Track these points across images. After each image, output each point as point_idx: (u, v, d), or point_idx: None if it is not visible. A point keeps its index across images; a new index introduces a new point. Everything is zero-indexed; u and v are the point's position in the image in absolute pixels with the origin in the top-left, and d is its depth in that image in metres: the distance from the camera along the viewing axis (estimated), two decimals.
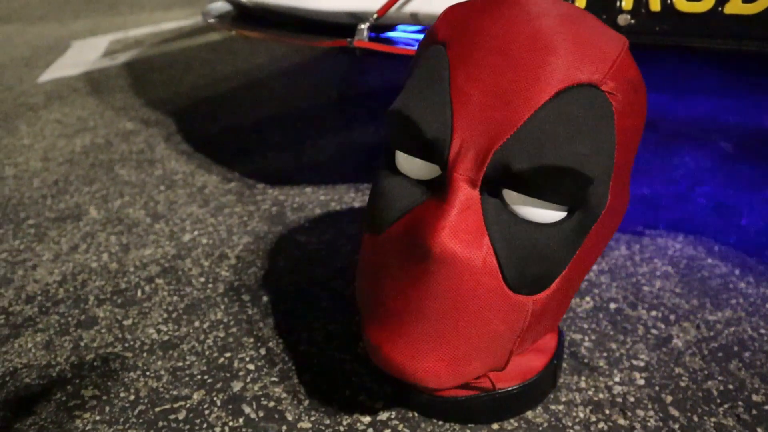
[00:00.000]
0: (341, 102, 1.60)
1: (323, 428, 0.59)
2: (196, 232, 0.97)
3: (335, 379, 0.66)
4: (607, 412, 0.59)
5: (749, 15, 0.60)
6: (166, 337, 0.74)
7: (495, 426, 0.58)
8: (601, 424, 0.58)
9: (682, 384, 0.62)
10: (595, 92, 0.45)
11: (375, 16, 0.78)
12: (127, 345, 0.73)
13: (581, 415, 0.59)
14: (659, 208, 0.96)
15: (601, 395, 0.61)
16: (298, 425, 0.60)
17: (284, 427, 0.60)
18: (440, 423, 0.59)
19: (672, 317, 0.72)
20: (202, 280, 0.85)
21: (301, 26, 0.95)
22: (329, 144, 1.31)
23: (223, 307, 0.79)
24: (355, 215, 1.01)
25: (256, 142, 1.34)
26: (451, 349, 0.48)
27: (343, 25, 0.84)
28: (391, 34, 0.84)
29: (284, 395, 0.64)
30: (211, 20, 1.12)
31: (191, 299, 0.81)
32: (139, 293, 0.83)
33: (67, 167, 1.27)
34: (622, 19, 0.65)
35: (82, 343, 0.74)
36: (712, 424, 0.57)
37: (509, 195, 0.46)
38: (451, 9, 0.51)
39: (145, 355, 0.71)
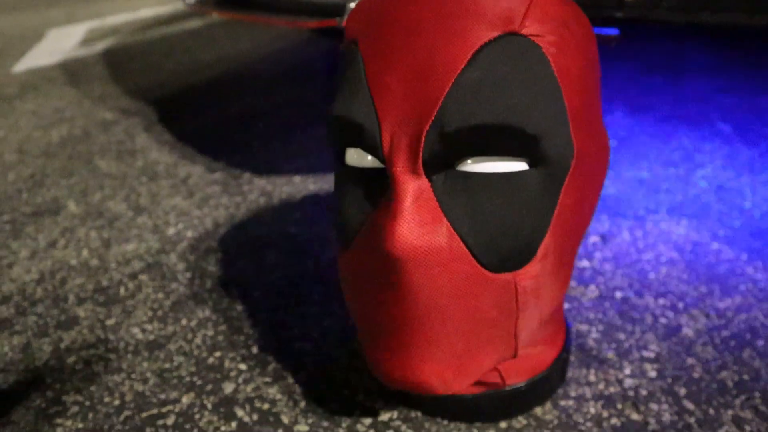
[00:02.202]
0: (328, 88, 1.55)
1: (321, 431, 0.56)
2: (180, 225, 0.93)
3: (332, 377, 0.62)
4: (620, 406, 0.57)
5: None
6: (151, 337, 0.70)
7: (503, 424, 0.55)
8: (614, 420, 0.55)
9: (696, 375, 0.60)
10: (517, 39, 0.42)
11: None
12: (110, 346, 0.69)
13: (592, 410, 0.56)
14: (659, 191, 0.93)
15: (612, 389, 0.59)
16: (295, 428, 0.57)
17: (280, 431, 0.56)
18: (445, 423, 0.56)
19: (680, 305, 0.69)
20: (189, 275, 0.81)
21: (283, 7, 0.90)
22: (317, 133, 1.27)
23: (211, 303, 0.75)
24: None
25: (242, 131, 1.30)
26: (449, 349, 0.45)
27: (329, 6, 0.80)
28: None
29: (279, 396, 0.60)
30: (191, 3, 1.07)
31: (177, 296, 0.77)
32: (122, 291, 0.79)
33: (43, 160, 1.21)
34: None
35: (62, 345, 0.69)
36: (729, 417, 0.55)
37: (461, 163, 0.43)
38: (359, 4, 0.49)
39: (129, 356, 0.67)
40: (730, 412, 0.55)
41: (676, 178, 0.96)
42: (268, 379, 0.63)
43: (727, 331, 0.65)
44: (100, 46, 2.13)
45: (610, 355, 0.63)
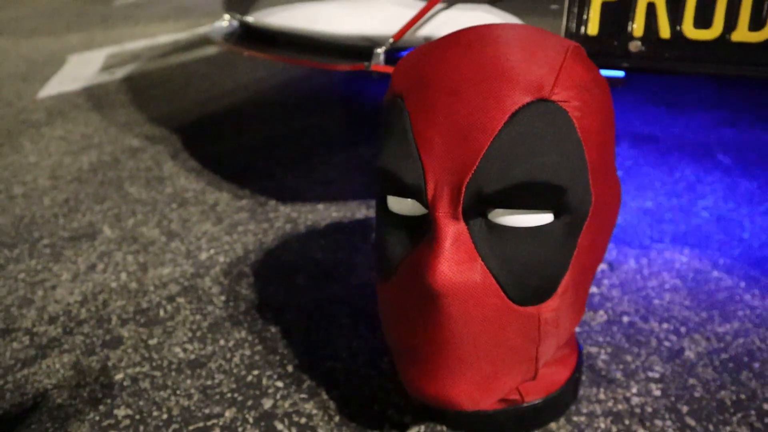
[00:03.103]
0: (345, 117, 1.62)
1: None
2: (212, 251, 0.99)
3: (363, 394, 0.68)
4: (627, 422, 0.62)
5: (755, 43, 0.63)
6: (192, 356, 0.76)
7: None
8: None
9: (697, 394, 0.65)
10: (547, 105, 0.48)
11: (391, 40, 0.81)
12: (154, 364, 0.75)
13: (602, 425, 0.62)
14: (663, 221, 0.99)
15: (620, 406, 0.64)
16: None
17: None
18: None
19: (683, 329, 0.75)
20: (223, 298, 0.87)
21: (308, 48, 0.97)
22: (338, 160, 1.34)
23: (246, 325, 0.81)
24: (368, 232, 1.03)
25: (264, 159, 1.36)
26: (478, 372, 0.51)
27: (357, 50, 0.86)
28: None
29: (315, 411, 0.66)
30: (218, 40, 1.15)
31: (214, 318, 0.83)
32: (161, 312, 0.85)
33: (76, 185, 1.28)
34: (633, 46, 0.69)
35: (109, 363, 0.75)
36: None
37: (494, 213, 0.50)
38: (403, 61, 0.56)
39: (173, 374, 0.73)
40: (728, 428, 0.61)
41: (679, 209, 1.02)
42: (303, 396, 0.68)
43: (726, 354, 0.70)
44: (120, 73, 2.21)
45: (618, 375, 0.68)
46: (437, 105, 0.49)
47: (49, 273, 0.96)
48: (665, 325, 0.76)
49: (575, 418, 0.63)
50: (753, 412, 0.63)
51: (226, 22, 1.31)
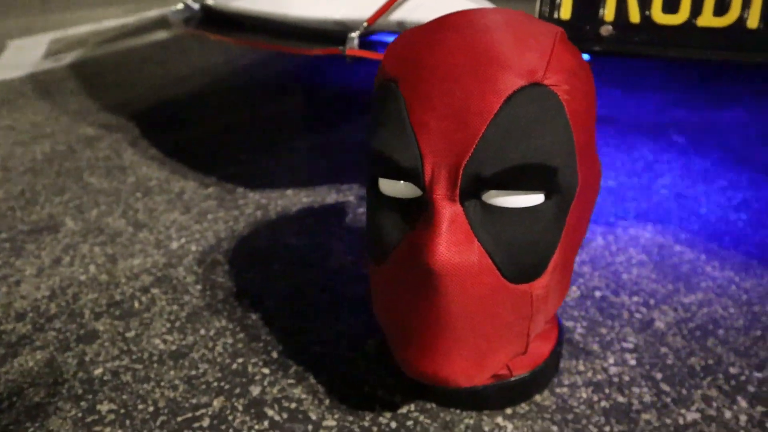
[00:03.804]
0: (308, 103, 1.61)
1: (348, 424, 0.62)
2: (183, 240, 0.98)
3: (351, 377, 0.69)
4: (607, 391, 0.65)
5: (719, 27, 0.66)
6: (173, 347, 0.75)
7: (508, 411, 0.63)
8: (603, 403, 0.63)
9: (669, 362, 0.69)
10: (540, 89, 0.50)
11: (365, 24, 0.81)
12: (134, 357, 0.73)
13: (584, 395, 0.64)
14: (626, 199, 1.03)
15: (599, 376, 0.67)
16: (323, 424, 0.63)
17: (310, 427, 0.62)
18: (458, 411, 0.63)
19: (652, 301, 0.78)
20: (199, 287, 0.86)
21: (283, 33, 0.96)
22: (303, 146, 1.33)
23: (225, 313, 0.80)
24: (341, 216, 1.03)
25: (228, 145, 1.34)
26: (474, 349, 0.53)
27: (331, 34, 0.86)
28: (377, 40, 0.87)
29: (304, 396, 0.66)
30: (181, 25, 1.12)
31: (192, 307, 0.82)
32: (136, 304, 0.83)
33: (30, 176, 1.23)
34: (605, 30, 0.71)
35: (86, 358, 0.73)
36: (699, 396, 0.64)
37: (488, 194, 0.51)
38: (394, 44, 0.56)
39: (155, 365, 0.72)
40: (699, 391, 0.64)
41: (640, 187, 1.06)
42: (291, 381, 0.68)
43: (692, 323, 0.74)
44: (67, 59, 2.12)
45: (595, 347, 0.71)
46: (433, 90, 0.50)
47: (11, 268, 0.93)
48: (635, 298, 0.79)
49: (558, 390, 0.65)
50: (721, 376, 0.66)
51: (181, 5, 1.28)
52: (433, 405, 0.64)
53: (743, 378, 0.66)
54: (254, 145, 1.34)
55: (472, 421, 0.62)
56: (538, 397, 0.64)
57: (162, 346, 0.75)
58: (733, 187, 1.05)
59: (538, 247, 0.52)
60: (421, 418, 0.63)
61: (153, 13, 2.88)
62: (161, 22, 2.59)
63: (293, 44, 0.87)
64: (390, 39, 0.88)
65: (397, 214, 0.54)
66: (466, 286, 0.50)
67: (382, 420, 0.63)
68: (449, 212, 0.49)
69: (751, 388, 0.65)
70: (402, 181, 0.53)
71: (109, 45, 2.31)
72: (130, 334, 0.77)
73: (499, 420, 0.62)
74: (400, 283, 0.53)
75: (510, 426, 0.61)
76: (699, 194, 1.03)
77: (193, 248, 0.95)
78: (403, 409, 0.64)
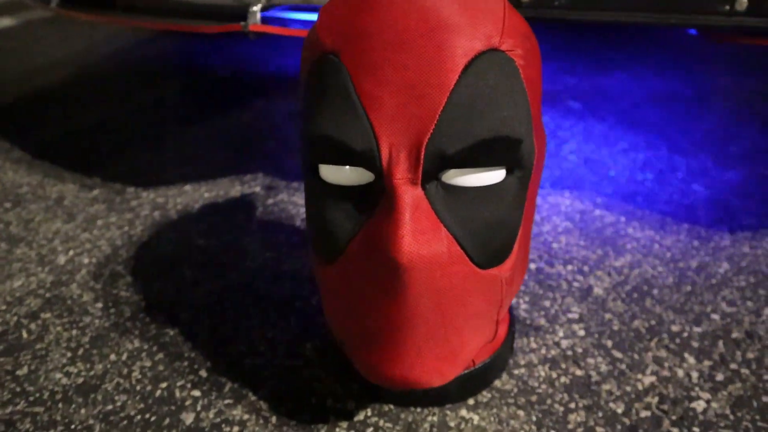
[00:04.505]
0: (189, 88, 1.48)
1: None
2: (71, 252, 0.85)
3: (295, 388, 0.62)
4: (564, 366, 0.64)
5: None
6: (80, 380, 0.64)
7: (471, 401, 0.59)
8: (563, 378, 0.62)
9: (615, 328, 0.69)
10: (497, 55, 0.46)
11: None
12: (32, 399, 0.62)
13: (543, 373, 0.63)
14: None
15: (553, 352, 0.65)
16: None
17: None
18: (419, 410, 0.59)
19: (586, 268, 0.78)
20: (100, 305, 0.74)
21: (166, 10, 0.85)
22: (193, 135, 1.21)
23: (137, 332, 0.70)
24: (249, 210, 0.95)
25: (106, 141, 1.20)
26: (445, 345, 0.48)
27: (228, 9, 0.77)
28: (281, 15, 0.79)
29: (246, 416, 0.59)
30: (41, 5, 0.96)
31: (95, 330, 0.70)
32: (24, 334, 0.70)
33: None
34: None
35: None
36: (650, 358, 0.64)
37: (448, 174, 0.47)
38: (328, 12, 0.49)
39: (61, 405, 0.61)
40: (650, 354, 0.65)
41: (549, 155, 1.07)
42: (228, 401, 0.61)
43: (628, 286, 0.75)
44: None
45: (542, 321, 0.70)
46: (382, 61, 0.44)
47: None
48: (569, 267, 0.79)
49: (516, 372, 0.63)
50: (665, 336, 0.67)
51: None
52: (391, 407, 0.59)
53: (686, 335, 0.67)
54: (136, 138, 1.20)
55: (435, 419, 0.58)
56: (498, 383, 0.61)
57: (65, 381, 0.64)
58: (633, 148, 1.09)
59: (505, 227, 0.48)
60: (381, 422, 0.58)
61: None
62: (6, 7, 2.29)
63: (188, 22, 0.77)
64: (294, 14, 0.80)
65: (348, 204, 0.47)
66: (436, 278, 0.45)
67: (339, 431, 0.57)
68: (411, 197, 0.44)
69: (694, 344, 0.66)
70: (349, 167, 0.47)
71: None
72: (22, 372, 0.65)
73: (464, 413, 0.58)
74: (358, 282, 0.47)
75: (476, 417, 0.58)
76: (604, 157, 1.06)
77: (86, 261, 0.83)
78: (360, 416, 0.58)
